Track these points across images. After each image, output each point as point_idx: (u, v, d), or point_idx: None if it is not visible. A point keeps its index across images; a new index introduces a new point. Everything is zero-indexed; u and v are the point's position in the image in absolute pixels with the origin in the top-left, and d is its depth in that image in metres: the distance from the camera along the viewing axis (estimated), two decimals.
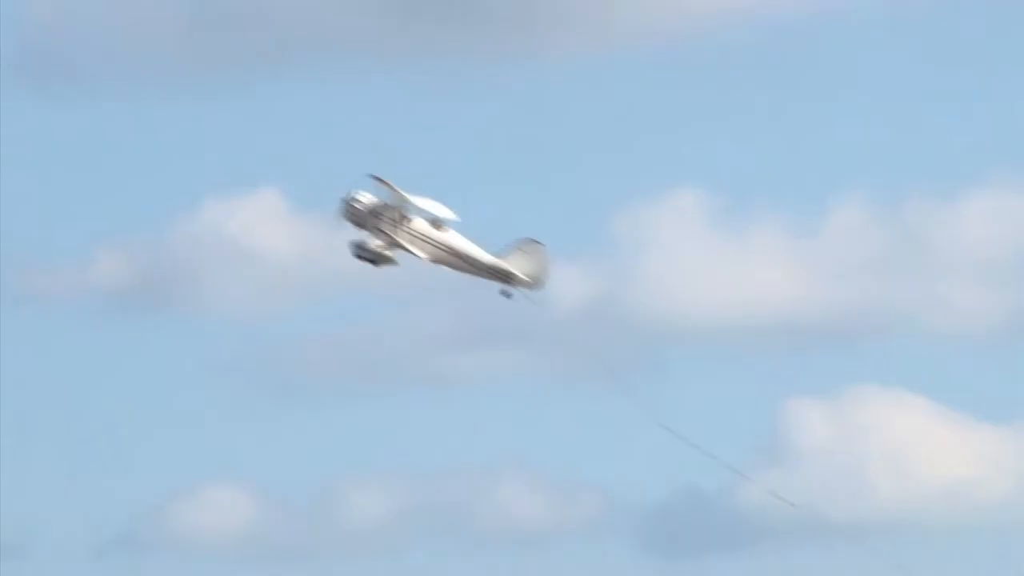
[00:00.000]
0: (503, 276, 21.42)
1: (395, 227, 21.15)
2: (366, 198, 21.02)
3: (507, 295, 21.65)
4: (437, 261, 21.75)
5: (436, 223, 21.60)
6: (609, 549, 57.51)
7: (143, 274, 64.71)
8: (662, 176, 71.40)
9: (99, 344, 66.88)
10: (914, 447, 58.72)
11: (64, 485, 60.03)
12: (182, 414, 63.17)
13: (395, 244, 21.25)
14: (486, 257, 21.63)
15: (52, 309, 69.41)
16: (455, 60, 76.59)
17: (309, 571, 62.87)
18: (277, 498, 60.61)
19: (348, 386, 65.73)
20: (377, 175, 20.52)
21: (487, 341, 56.20)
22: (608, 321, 61.99)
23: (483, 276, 21.72)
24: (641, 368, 61.42)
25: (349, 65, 76.22)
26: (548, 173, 74.20)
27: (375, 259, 21.54)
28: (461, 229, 21.82)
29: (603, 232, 63.58)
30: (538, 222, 68.99)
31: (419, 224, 21.46)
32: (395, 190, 20.78)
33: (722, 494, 54.84)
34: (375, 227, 21.06)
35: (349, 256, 21.92)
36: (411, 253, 21.44)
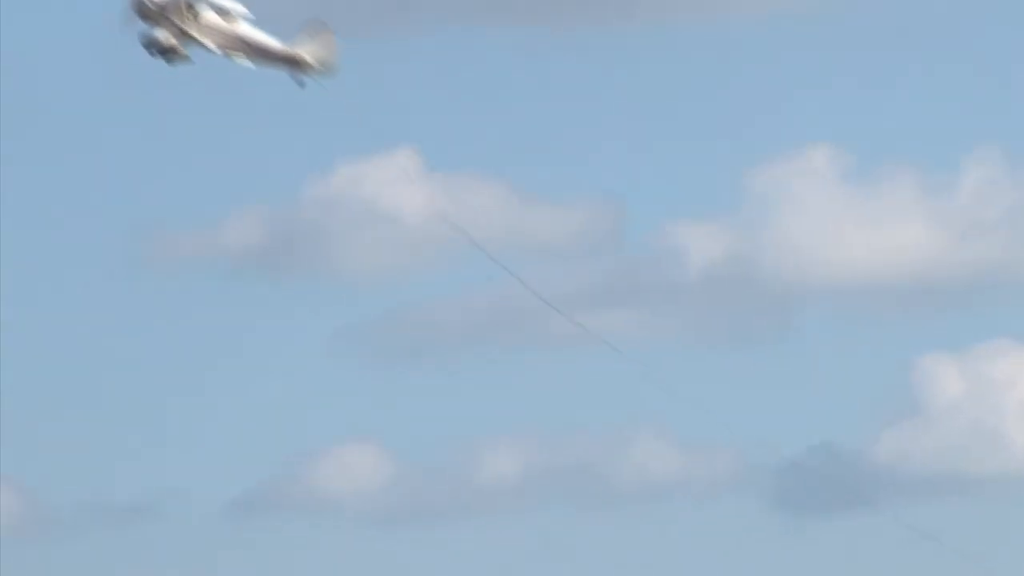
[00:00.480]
0: (295, 63, 21.39)
1: (184, 20, 21.19)
2: None
3: (300, 83, 21.58)
4: (228, 52, 21.75)
5: (225, 14, 21.57)
6: (741, 506, 57.27)
7: (276, 236, 65.19)
8: (795, 134, 70.34)
9: (232, 306, 66.88)
10: None
11: (198, 445, 61.54)
12: (313, 375, 64.04)
13: (185, 36, 21.31)
14: (277, 45, 21.66)
15: (186, 272, 70.00)
16: (585, 18, 76.03)
17: (440, 531, 62.50)
18: (408, 458, 61.54)
19: (477, 347, 66.12)
20: None
21: (618, 299, 59.65)
22: (742, 279, 63.56)
23: (275, 65, 21.72)
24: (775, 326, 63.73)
25: (481, 23, 76.01)
26: (680, 132, 73.94)
27: (166, 53, 21.64)
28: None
29: (736, 191, 64.77)
30: (672, 182, 71.87)
31: (208, 16, 21.47)
32: None
33: (856, 449, 56.37)
34: (164, 20, 21.15)
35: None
36: (202, 45, 21.49)
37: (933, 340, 60.53)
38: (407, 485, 61.71)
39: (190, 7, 21.16)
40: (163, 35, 21.31)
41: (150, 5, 20.99)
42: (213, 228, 67.17)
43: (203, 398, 63.21)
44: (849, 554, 53.86)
